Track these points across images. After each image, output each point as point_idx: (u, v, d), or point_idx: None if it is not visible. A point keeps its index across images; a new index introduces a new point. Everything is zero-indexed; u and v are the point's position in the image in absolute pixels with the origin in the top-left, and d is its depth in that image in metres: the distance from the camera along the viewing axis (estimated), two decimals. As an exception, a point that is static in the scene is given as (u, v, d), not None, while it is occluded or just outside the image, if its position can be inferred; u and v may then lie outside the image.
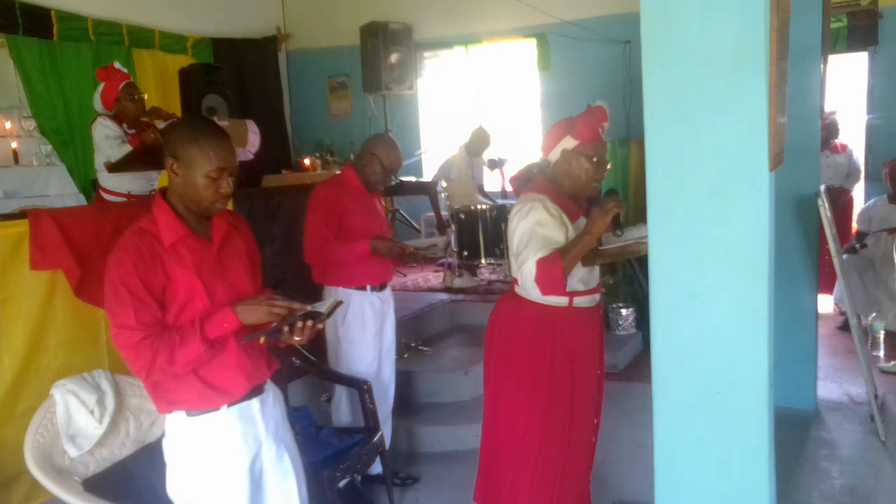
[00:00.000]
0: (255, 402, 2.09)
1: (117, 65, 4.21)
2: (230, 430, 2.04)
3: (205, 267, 1.99)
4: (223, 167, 1.96)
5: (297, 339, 1.99)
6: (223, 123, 3.64)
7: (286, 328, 1.97)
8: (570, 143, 2.43)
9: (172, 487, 2.07)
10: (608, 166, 2.50)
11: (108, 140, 4.03)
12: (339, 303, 2.16)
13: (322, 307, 2.06)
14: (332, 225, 3.14)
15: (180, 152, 1.95)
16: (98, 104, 4.16)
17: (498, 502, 2.60)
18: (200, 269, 1.97)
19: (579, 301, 2.48)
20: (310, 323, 1.98)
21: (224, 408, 2.03)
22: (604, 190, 2.61)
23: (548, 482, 2.50)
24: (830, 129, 6.08)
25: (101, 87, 4.12)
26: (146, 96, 4.34)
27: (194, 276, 1.95)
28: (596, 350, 2.60)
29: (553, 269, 2.29)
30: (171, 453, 2.06)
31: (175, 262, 1.94)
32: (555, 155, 2.49)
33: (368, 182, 3.24)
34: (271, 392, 2.18)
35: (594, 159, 2.43)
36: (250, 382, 2.07)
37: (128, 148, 4.00)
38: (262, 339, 2.02)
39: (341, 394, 3.39)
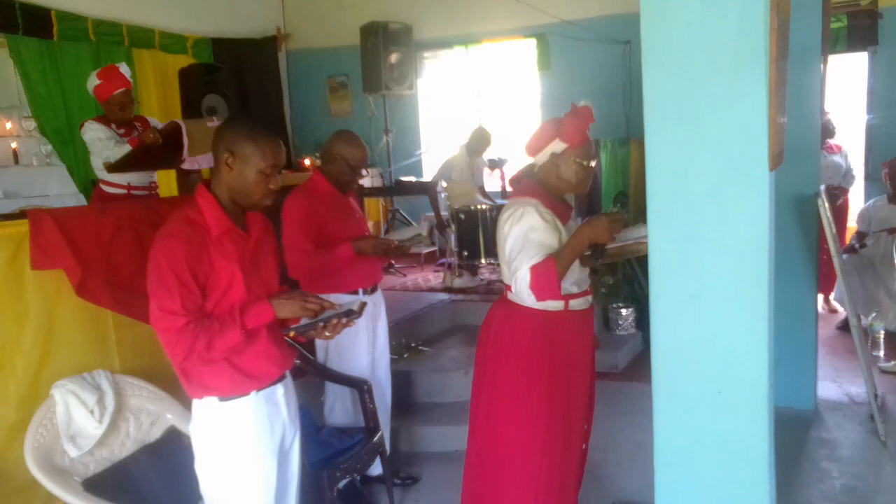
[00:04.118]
0: (279, 388, 2.22)
1: (123, 68, 4.18)
2: (259, 414, 2.15)
3: (244, 259, 2.10)
4: (276, 164, 2.08)
5: (327, 334, 2.14)
6: (223, 123, 3.62)
7: (320, 325, 2.10)
8: (559, 146, 2.37)
9: (202, 472, 2.15)
10: (593, 164, 2.45)
11: (101, 142, 4.05)
12: (365, 303, 2.25)
13: (354, 306, 2.17)
14: (310, 235, 3.03)
15: (237, 148, 2.05)
16: (90, 90, 4.18)
17: None
18: (241, 261, 2.08)
19: (574, 304, 2.43)
20: (344, 320, 2.13)
21: (253, 393, 2.13)
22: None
23: (553, 493, 2.45)
24: (826, 130, 6.11)
25: (97, 82, 4.12)
26: (138, 105, 4.33)
27: (236, 266, 2.06)
28: (589, 353, 2.56)
29: (548, 275, 2.25)
30: (201, 438, 2.14)
31: (220, 252, 2.04)
32: (542, 157, 2.42)
33: (339, 183, 3.16)
34: (290, 379, 2.32)
35: (584, 162, 2.38)
36: (280, 370, 2.21)
37: (126, 147, 4.00)
38: (291, 334, 2.16)
39: (335, 397, 3.33)
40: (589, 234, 2.28)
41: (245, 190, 2.06)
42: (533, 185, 2.45)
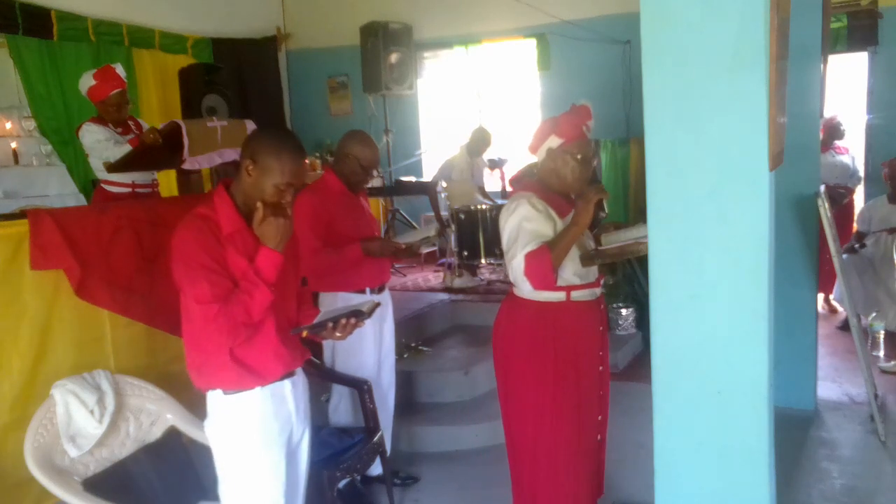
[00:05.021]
0: (286, 384, 2.23)
1: (119, 69, 4.19)
2: (264, 409, 2.16)
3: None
4: (293, 183, 2.08)
5: (338, 335, 2.16)
6: (223, 123, 3.63)
7: (330, 324, 2.12)
8: (554, 141, 2.45)
9: (219, 464, 2.18)
10: (595, 163, 2.50)
11: (100, 143, 4.05)
12: (378, 304, 2.26)
13: (363, 307, 2.18)
14: (319, 233, 3.04)
15: (260, 158, 2.06)
16: (84, 91, 4.17)
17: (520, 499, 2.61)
18: (252, 259, 2.07)
19: (577, 295, 2.47)
20: (353, 321, 2.14)
21: (258, 388, 2.15)
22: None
23: (563, 481, 2.49)
24: (836, 131, 6.16)
25: (92, 82, 4.11)
26: (130, 107, 4.34)
27: (247, 263, 2.06)
28: (597, 345, 2.59)
29: (541, 262, 2.30)
30: (211, 431, 2.18)
31: (231, 248, 2.06)
32: (541, 154, 2.51)
33: (350, 183, 3.19)
34: (301, 376, 2.32)
35: (579, 157, 2.44)
36: (286, 368, 2.21)
37: (126, 146, 4.00)
38: (304, 334, 2.17)
39: (339, 397, 3.35)
40: (575, 218, 2.34)
41: (259, 199, 2.07)
42: (532, 182, 2.53)
